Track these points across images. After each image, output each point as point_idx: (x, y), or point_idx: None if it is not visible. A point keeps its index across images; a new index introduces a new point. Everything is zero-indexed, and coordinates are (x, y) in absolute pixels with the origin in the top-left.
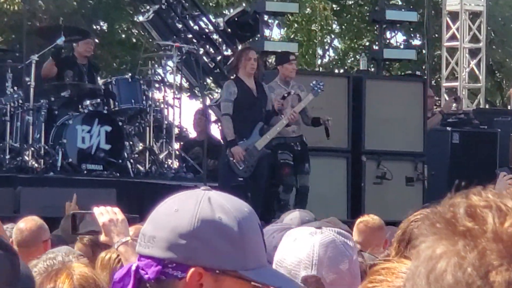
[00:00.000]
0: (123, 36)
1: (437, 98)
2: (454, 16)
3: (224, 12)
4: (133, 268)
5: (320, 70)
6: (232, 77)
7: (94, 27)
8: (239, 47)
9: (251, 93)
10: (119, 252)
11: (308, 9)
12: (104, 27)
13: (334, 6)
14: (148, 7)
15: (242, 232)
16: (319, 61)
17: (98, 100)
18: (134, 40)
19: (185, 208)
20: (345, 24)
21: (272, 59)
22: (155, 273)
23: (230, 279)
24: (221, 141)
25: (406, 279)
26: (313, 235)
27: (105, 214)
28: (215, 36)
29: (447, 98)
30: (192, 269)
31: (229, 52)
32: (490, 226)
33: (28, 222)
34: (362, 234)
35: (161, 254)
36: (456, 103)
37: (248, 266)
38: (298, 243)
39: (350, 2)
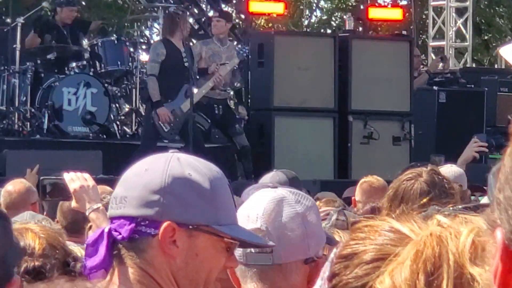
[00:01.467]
0: None
1: (424, 58)
2: None
3: None
4: (106, 230)
5: (307, 30)
6: (160, 39)
7: None
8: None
9: (179, 55)
10: (91, 218)
11: None
12: None
13: None
14: None
15: (213, 188)
16: (306, 22)
17: (84, 62)
18: (121, 2)
19: (155, 167)
20: None
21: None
22: (129, 231)
23: (203, 235)
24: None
25: (505, 180)
26: (265, 193)
27: (76, 180)
28: None
29: (434, 58)
30: (164, 224)
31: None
32: None
33: (17, 185)
34: (365, 194)
35: (134, 212)
36: (442, 62)
37: (220, 222)
38: (250, 201)
39: None
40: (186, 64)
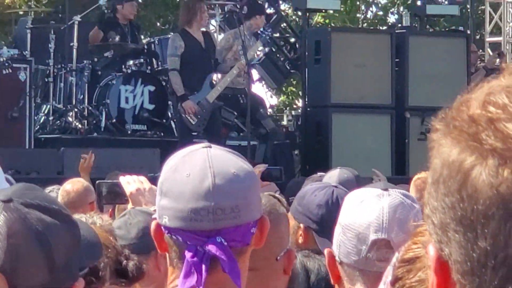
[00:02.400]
0: None
1: (481, 53)
2: None
3: None
4: (223, 241)
5: (363, 27)
6: (177, 31)
7: None
8: (281, 5)
9: (199, 45)
10: None
11: None
12: None
13: None
14: None
15: None
16: (361, 17)
17: (141, 60)
18: (178, 0)
19: (243, 169)
20: None
21: (316, 17)
22: (248, 236)
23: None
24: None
25: (431, 182)
26: (381, 198)
27: (132, 183)
28: None
29: (491, 53)
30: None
31: (271, 10)
32: None
33: (75, 184)
34: (419, 191)
35: (251, 217)
36: (499, 58)
37: None
38: (366, 206)
39: None
40: (206, 53)
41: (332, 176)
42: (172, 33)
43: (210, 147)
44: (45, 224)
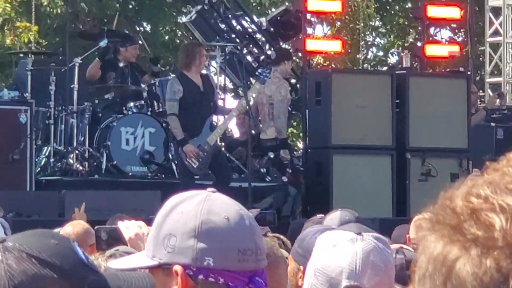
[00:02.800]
0: (167, 37)
1: (482, 94)
2: (497, 11)
3: (267, 11)
4: (262, 282)
5: (364, 68)
6: (174, 75)
7: (138, 28)
8: (282, 46)
9: (197, 88)
10: None
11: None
12: (148, 29)
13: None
14: (190, 8)
15: None
16: (362, 57)
17: (142, 101)
18: (178, 42)
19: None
20: (389, 23)
21: (317, 58)
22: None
23: None
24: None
25: (418, 279)
26: (354, 242)
27: (131, 228)
28: (258, 36)
29: (491, 94)
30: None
31: (272, 51)
32: (500, 233)
33: (75, 227)
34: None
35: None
36: (499, 98)
37: None
38: (339, 250)
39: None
40: (205, 96)
41: (334, 218)
42: (172, 75)
43: (214, 192)
44: (24, 273)
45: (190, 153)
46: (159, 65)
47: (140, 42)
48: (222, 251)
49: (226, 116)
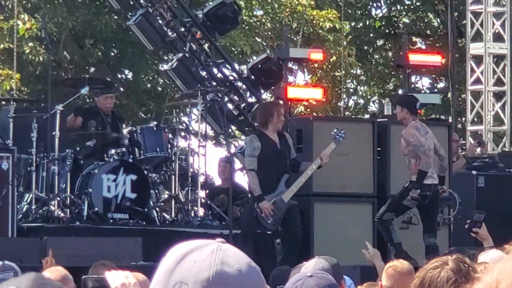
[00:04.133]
0: (149, 85)
1: (463, 142)
2: (479, 59)
3: (248, 59)
4: None
5: (345, 115)
6: (254, 131)
7: (119, 76)
8: (263, 94)
9: (274, 146)
10: None
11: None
12: (129, 76)
13: (357, 53)
14: (172, 56)
15: None
16: (343, 107)
17: (123, 149)
18: (160, 89)
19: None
20: (370, 72)
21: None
22: None
23: None
24: (246, 188)
25: None
26: None
27: (117, 278)
28: (239, 84)
29: (472, 142)
30: None
31: (253, 99)
32: None
33: (52, 273)
34: (391, 279)
35: None
36: (480, 147)
37: None
38: None
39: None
40: (282, 154)
41: (308, 266)
42: (154, 122)
43: (223, 242)
44: None
45: (266, 210)
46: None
47: (121, 89)
48: None
49: (301, 175)
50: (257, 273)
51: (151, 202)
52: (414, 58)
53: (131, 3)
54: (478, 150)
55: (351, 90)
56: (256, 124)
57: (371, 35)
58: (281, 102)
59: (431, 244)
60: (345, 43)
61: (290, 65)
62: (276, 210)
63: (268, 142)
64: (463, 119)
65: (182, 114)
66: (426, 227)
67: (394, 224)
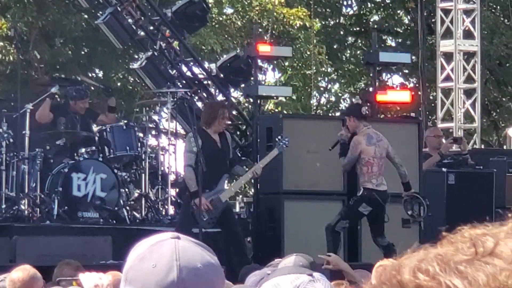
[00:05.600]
0: (119, 84)
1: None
2: (449, 57)
3: (218, 58)
4: None
5: (317, 113)
6: (195, 128)
7: (90, 74)
8: (233, 92)
9: (215, 145)
10: None
11: (303, 54)
12: (100, 75)
13: (328, 51)
14: (141, 54)
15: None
16: (315, 105)
17: (93, 147)
18: (130, 88)
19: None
20: (340, 70)
21: (267, 104)
22: None
23: None
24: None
25: None
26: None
27: (91, 279)
28: (208, 82)
29: (443, 140)
30: None
31: (222, 97)
32: None
33: (21, 272)
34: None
35: None
36: (457, 143)
37: None
38: None
39: (344, 46)
40: (222, 153)
41: (288, 263)
42: (123, 121)
43: (178, 238)
44: None
45: (202, 206)
46: (113, 97)
47: (92, 88)
48: None
49: (241, 177)
50: (179, 273)
51: (121, 201)
52: (384, 56)
53: (100, 1)
54: (457, 147)
55: (322, 88)
56: (201, 122)
57: (342, 33)
58: (230, 104)
59: (387, 244)
60: (315, 41)
61: (260, 63)
62: (213, 209)
63: (209, 140)
64: (434, 116)
65: (152, 112)
66: (376, 231)
67: (364, 221)
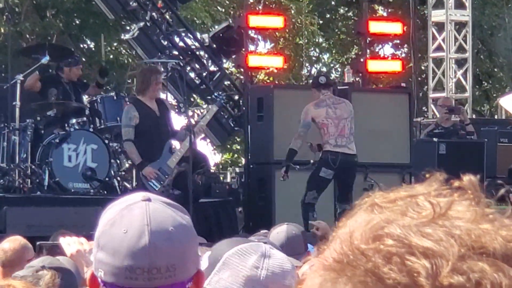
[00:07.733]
0: (111, 56)
1: (425, 109)
2: (440, 27)
3: (210, 29)
4: None
5: (308, 83)
6: (130, 101)
7: (81, 46)
8: (225, 63)
9: (153, 114)
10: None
11: (295, 24)
12: (91, 46)
13: (320, 21)
14: (133, 25)
15: None
16: (306, 75)
17: (84, 118)
18: (122, 59)
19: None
20: (331, 39)
21: (258, 74)
22: None
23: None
24: (207, 156)
25: None
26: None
27: (72, 244)
28: (200, 52)
29: (434, 109)
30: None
31: (214, 68)
32: (428, 280)
33: (12, 242)
34: None
35: (187, 274)
36: (455, 113)
37: None
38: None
39: (336, 16)
40: (162, 121)
41: (280, 232)
42: (114, 92)
43: (149, 200)
44: None
45: (150, 174)
46: (106, 78)
47: (83, 59)
48: (110, 266)
49: (185, 140)
50: (150, 237)
51: (112, 171)
52: (375, 26)
53: None
54: (456, 116)
55: (313, 58)
56: (135, 91)
57: (333, 3)
58: (160, 69)
59: (342, 210)
60: (307, 11)
61: (251, 33)
62: (163, 176)
63: (146, 110)
64: (425, 87)
65: None
66: (340, 196)
67: (355, 191)
